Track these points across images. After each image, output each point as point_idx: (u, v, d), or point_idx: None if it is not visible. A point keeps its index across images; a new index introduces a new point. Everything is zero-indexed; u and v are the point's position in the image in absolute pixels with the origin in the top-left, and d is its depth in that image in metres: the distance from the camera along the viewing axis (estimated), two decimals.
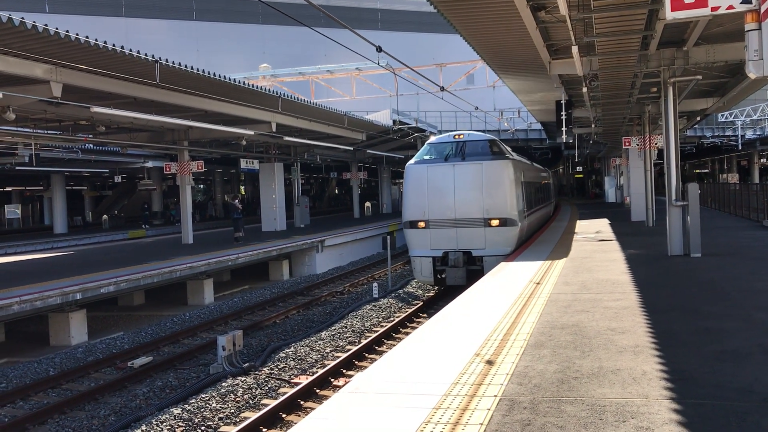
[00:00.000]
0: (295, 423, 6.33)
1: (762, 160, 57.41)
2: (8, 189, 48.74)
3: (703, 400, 4.78)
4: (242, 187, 58.25)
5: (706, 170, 71.32)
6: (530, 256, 14.53)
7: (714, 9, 6.95)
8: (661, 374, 5.44)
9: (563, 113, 19.37)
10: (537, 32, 11.99)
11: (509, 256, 14.80)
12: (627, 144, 23.68)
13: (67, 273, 15.65)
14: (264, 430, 8.24)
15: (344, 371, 10.83)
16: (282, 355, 11.83)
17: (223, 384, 10.04)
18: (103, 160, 32.87)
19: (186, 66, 14.68)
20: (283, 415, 8.76)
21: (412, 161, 16.75)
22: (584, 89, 16.24)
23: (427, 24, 58.30)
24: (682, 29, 12.57)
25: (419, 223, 16.17)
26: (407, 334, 13.10)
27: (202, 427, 8.48)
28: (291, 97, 21.03)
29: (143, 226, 39.03)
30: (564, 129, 19.42)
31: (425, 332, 7.54)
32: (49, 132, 21.72)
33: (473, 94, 34.74)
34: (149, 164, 35.98)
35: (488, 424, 4.56)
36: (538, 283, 10.54)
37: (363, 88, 36.38)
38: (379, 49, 10.89)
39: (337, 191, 73.79)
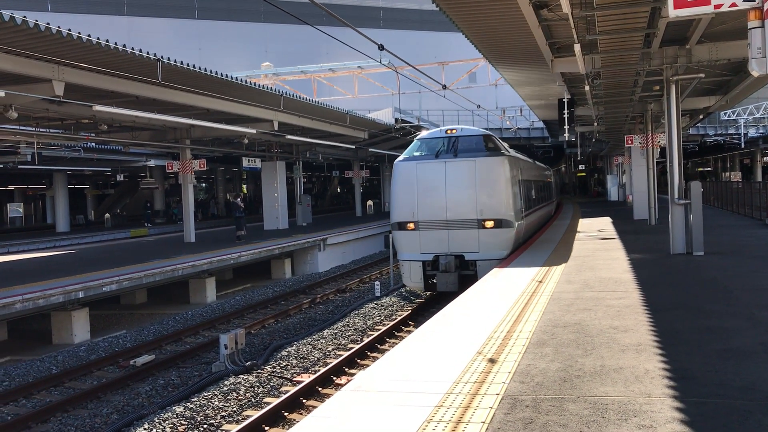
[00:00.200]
0: (298, 421, 6.33)
1: (765, 158, 57.29)
2: (11, 188, 48.83)
3: (705, 399, 4.77)
4: (244, 186, 58.29)
5: (709, 168, 71.22)
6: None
7: (717, 7, 6.93)
8: (663, 373, 5.43)
9: (565, 111, 19.35)
10: (539, 30, 11.97)
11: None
12: (629, 142, 23.66)
13: (70, 271, 15.67)
14: (266, 428, 8.25)
15: (346, 369, 10.84)
16: (284, 353, 11.83)
17: (226, 382, 10.05)
18: (105, 158, 32.91)
19: (188, 64, 14.69)
20: (286, 414, 8.77)
21: (400, 158, 15.74)
22: (586, 87, 16.21)
23: (430, 22, 58.31)
24: (685, 27, 12.54)
25: (408, 225, 15.14)
26: (409, 332, 13.10)
27: (205, 426, 8.49)
28: (293, 96, 21.03)
29: (145, 224, 39.08)
30: (566, 127, 19.40)
31: (427, 331, 7.54)
32: (51, 131, 21.75)
33: (475, 93, 34.68)
34: (151, 163, 36.04)
35: (490, 423, 4.55)
36: (540, 282, 10.53)
37: (365, 86, 36.37)
38: (382, 48, 10.87)
39: (339, 190, 73.78)
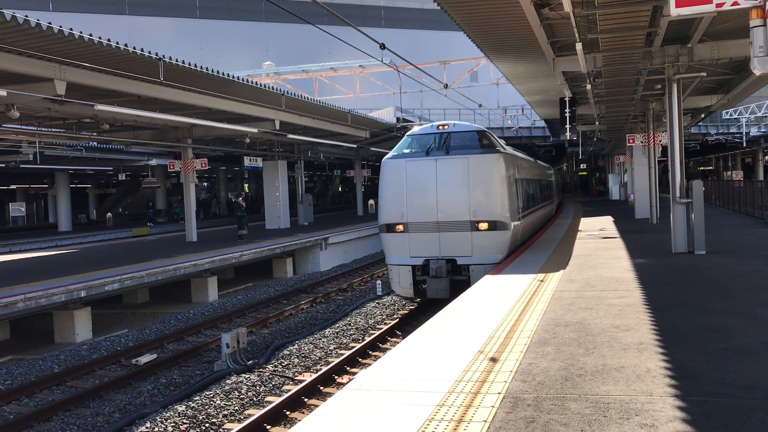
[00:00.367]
0: (299, 420, 6.35)
1: (766, 157, 57.22)
2: (13, 187, 48.91)
3: (707, 398, 4.77)
4: (246, 185, 58.33)
5: (711, 167, 71.15)
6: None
7: (719, 5, 6.93)
8: (665, 372, 5.43)
9: (567, 110, 19.33)
10: (541, 29, 11.97)
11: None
12: (631, 141, 23.63)
13: (72, 271, 15.69)
14: (268, 427, 8.26)
15: (348, 368, 10.85)
16: (286, 352, 11.85)
17: (228, 381, 10.06)
18: (107, 158, 32.97)
19: (190, 64, 14.70)
20: (287, 413, 8.78)
21: (389, 155, 14.73)
22: (588, 86, 16.19)
23: (431, 21, 58.27)
24: (687, 26, 12.53)
25: (397, 227, 14.13)
26: (411, 331, 13.10)
27: (207, 424, 8.50)
28: (294, 95, 21.04)
29: (147, 223, 39.12)
30: (568, 126, 19.38)
31: (429, 330, 7.54)
32: (53, 130, 21.77)
33: (477, 92, 34.69)
34: (153, 162, 36.09)
35: (492, 421, 4.56)
36: (542, 281, 10.53)
37: (366, 85, 36.34)
38: (383, 47, 10.88)
39: (340, 189, 73.80)
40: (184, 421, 8.53)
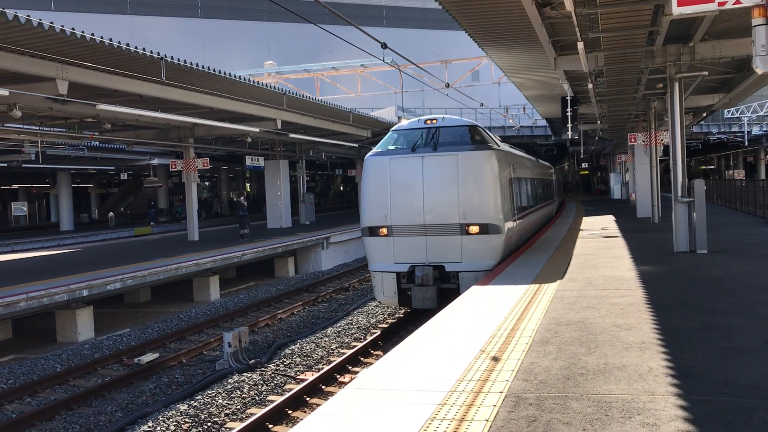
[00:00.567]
0: (301, 419, 6.35)
1: None
2: (15, 186, 48.97)
3: (709, 397, 4.77)
4: (248, 185, 58.35)
5: (712, 167, 71.06)
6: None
7: (721, 4, 6.92)
8: (667, 371, 5.43)
9: (569, 109, 19.31)
10: (542, 28, 11.96)
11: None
12: (632, 140, 23.61)
13: (74, 270, 15.71)
14: (270, 426, 8.27)
15: (350, 368, 10.86)
16: (288, 351, 11.86)
17: (229, 380, 10.08)
18: (108, 157, 33.03)
19: (191, 63, 14.70)
20: (289, 412, 8.79)
21: (372, 152, 13.53)
22: (590, 85, 16.18)
23: (433, 20, 58.22)
24: (689, 25, 12.52)
25: (380, 230, 12.98)
26: (413, 330, 13.09)
27: (209, 424, 8.52)
28: (296, 95, 21.04)
29: (149, 223, 39.15)
30: (569, 125, 19.37)
31: (430, 329, 7.55)
32: (55, 129, 21.80)
33: (478, 91, 34.68)
34: (155, 161, 36.12)
35: (494, 420, 4.56)
36: (540, 284, 10.52)
37: (368, 85, 36.32)
38: (384, 46, 10.89)
39: (342, 188, 73.81)
40: (186, 420, 8.55)
